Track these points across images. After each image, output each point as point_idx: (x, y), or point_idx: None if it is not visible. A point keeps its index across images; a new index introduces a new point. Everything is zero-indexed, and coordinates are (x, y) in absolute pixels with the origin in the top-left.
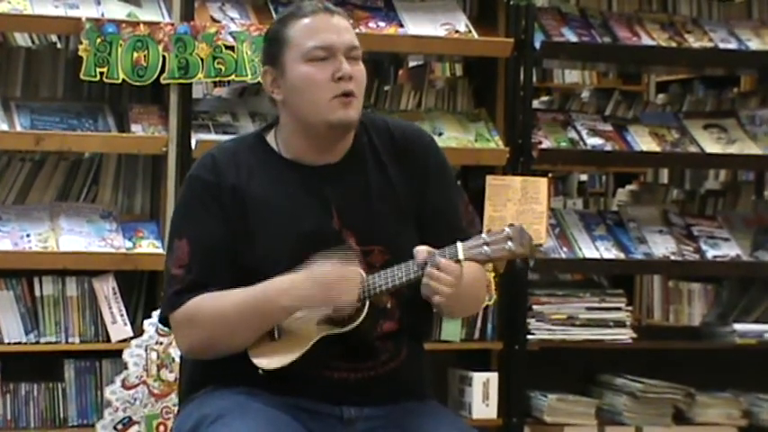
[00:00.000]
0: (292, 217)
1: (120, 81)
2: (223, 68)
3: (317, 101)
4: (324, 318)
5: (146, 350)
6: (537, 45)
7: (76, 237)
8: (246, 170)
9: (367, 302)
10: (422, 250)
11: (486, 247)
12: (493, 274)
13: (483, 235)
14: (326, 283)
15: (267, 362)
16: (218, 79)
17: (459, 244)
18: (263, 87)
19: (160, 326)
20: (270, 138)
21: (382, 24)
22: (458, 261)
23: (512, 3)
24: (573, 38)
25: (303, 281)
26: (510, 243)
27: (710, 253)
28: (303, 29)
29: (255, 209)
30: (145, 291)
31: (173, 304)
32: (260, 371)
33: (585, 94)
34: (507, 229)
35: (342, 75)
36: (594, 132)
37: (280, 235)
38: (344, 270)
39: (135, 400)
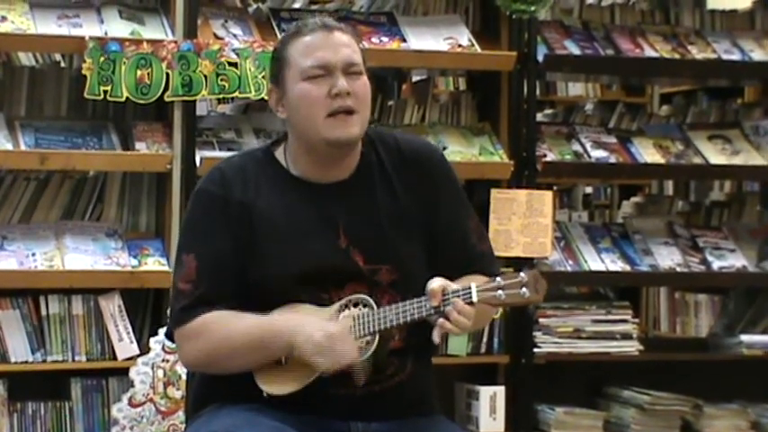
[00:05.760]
0: (299, 235)
1: (123, 99)
2: (227, 85)
3: (313, 118)
4: None
5: (152, 368)
6: (540, 58)
7: (82, 255)
8: (254, 186)
9: (377, 336)
10: (437, 291)
11: (500, 291)
12: None
13: (498, 278)
14: (332, 346)
15: (272, 387)
16: (221, 96)
17: (473, 286)
18: (270, 105)
19: (167, 343)
20: (278, 153)
21: (385, 39)
22: (471, 303)
23: (514, 16)
24: (576, 50)
25: (314, 335)
26: (524, 289)
27: (716, 264)
28: (301, 48)
29: (262, 226)
30: (151, 308)
31: (180, 319)
32: (265, 394)
33: (589, 107)
34: (523, 275)
35: (338, 91)
36: (599, 145)
37: (286, 253)
38: (344, 333)
39: (142, 417)
